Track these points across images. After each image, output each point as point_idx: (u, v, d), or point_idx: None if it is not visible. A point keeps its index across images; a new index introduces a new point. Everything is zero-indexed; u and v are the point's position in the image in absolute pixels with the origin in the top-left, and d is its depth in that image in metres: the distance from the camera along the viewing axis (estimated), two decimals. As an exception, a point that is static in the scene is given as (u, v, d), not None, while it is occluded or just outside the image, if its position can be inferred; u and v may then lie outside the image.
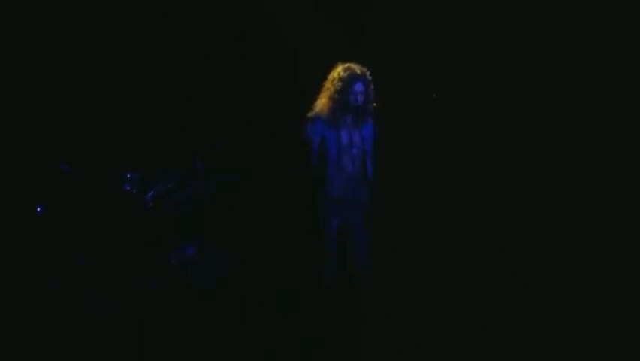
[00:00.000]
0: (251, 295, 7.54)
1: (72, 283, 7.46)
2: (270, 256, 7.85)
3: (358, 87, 7.00)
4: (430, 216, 7.93)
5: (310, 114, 7.07)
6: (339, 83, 7.01)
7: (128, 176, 7.91)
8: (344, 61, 7.13)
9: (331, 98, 7.05)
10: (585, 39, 7.75)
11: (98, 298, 7.35)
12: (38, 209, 7.76)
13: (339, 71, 7.07)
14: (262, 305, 7.43)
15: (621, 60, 7.68)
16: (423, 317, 7.14)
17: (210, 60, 8.34)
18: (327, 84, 7.10)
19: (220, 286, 7.60)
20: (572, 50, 7.80)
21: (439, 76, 8.00)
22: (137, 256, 7.69)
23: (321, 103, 7.10)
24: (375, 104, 7.10)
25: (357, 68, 7.05)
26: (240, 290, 7.57)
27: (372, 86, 7.06)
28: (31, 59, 8.10)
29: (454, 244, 7.80)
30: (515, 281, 7.47)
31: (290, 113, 7.47)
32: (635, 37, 7.65)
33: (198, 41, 8.29)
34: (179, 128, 8.27)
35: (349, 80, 7.00)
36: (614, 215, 7.58)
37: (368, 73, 7.07)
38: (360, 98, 7.01)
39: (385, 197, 7.39)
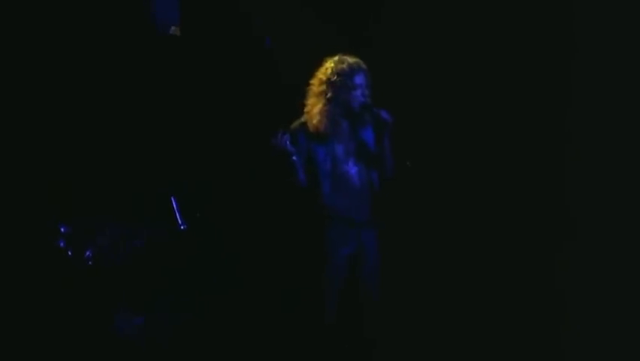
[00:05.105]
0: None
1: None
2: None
3: (361, 79, 5.90)
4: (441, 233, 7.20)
5: (293, 126, 5.97)
6: (339, 79, 5.87)
7: (62, 230, 6.92)
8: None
9: (330, 100, 5.90)
10: (592, 41, 7.24)
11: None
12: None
13: (331, 65, 5.94)
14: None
15: (628, 62, 7.22)
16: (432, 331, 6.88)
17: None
18: (319, 85, 5.95)
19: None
20: (580, 54, 7.27)
21: (444, 81, 7.26)
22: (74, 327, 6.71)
23: (315, 111, 5.94)
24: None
25: (351, 58, 5.97)
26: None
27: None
28: None
29: (468, 262, 7.18)
30: (525, 296, 7.10)
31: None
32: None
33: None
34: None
35: (351, 72, 5.88)
36: (621, 216, 7.13)
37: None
38: (366, 92, 5.91)
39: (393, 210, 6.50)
